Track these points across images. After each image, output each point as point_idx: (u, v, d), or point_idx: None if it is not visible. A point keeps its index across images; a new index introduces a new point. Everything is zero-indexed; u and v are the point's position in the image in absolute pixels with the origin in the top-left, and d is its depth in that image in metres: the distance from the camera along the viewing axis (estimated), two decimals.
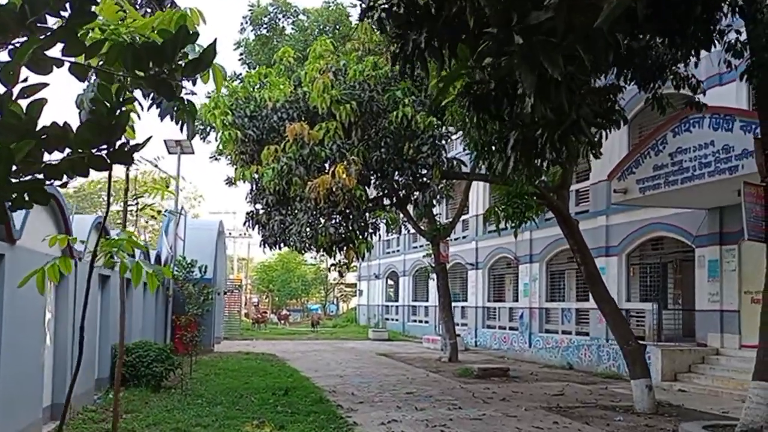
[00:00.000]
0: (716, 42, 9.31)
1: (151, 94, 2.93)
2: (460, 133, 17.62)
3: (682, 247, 17.07)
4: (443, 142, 11.89)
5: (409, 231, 24.31)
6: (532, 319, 22.42)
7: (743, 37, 9.15)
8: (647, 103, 10.50)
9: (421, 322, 32.92)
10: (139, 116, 3.37)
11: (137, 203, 7.34)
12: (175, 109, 3.14)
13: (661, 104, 10.17)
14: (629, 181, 14.53)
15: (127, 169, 8.41)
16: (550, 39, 2.98)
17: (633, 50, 7.06)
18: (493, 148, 9.25)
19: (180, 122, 3.39)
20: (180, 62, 2.41)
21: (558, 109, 4.08)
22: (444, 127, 13.00)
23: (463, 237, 27.86)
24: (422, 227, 21.85)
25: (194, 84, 3.53)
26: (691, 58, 10.16)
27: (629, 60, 8.15)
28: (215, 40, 2.47)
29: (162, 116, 3.30)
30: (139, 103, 3.12)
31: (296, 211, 11.81)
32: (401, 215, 21.42)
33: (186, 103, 3.14)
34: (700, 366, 14.62)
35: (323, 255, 14.62)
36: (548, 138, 4.21)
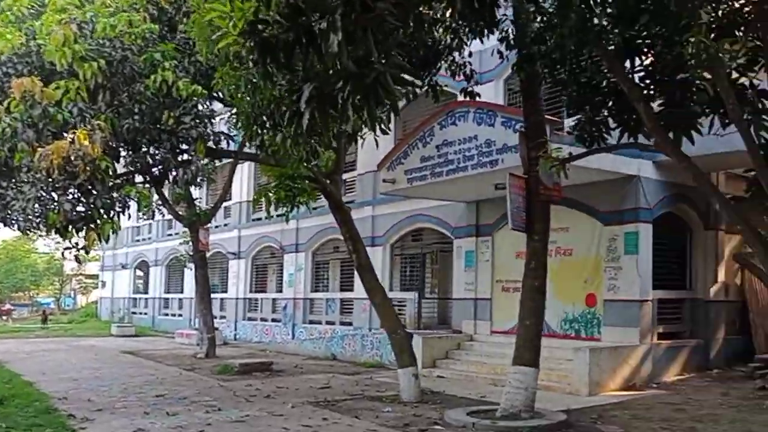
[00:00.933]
0: (493, 31, 9.44)
1: None
2: (228, 115, 16.38)
3: (442, 239, 17.72)
4: (210, 114, 10.64)
5: (163, 216, 22.30)
6: (296, 310, 21.92)
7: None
8: (422, 89, 10.35)
9: (174, 315, 30.73)
10: None
11: None
12: None
13: (436, 92, 10.12)
14: (398, 172, 14.59)
15: None
16: None
17: (422, 20, 6.67)
18: (267, 123, 8.40)
19: None
20: None
21: (362, 61, 3.34)
22: (209, 102, 11.75)
23: (225, 225, 26.48)
24: (180, 213, 20.11)
25: None
26: (465, 46, 10.31)
27: (412, 36, 7.76)
28: None
29: None
30: None
31: (22, 184, 9.73)
32: (155, 197, 19.49)
33: None
34: (456, 352, 15.18)
35: (59, 241, 12.43)
36: (350, 93, 3.44)
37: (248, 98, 6.67)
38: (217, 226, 25.58)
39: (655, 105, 8.04)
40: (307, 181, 10.59)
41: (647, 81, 7.83)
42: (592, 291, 13.54)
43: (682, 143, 7.04)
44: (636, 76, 8.04)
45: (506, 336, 14.93)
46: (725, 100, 5.20)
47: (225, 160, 21.22)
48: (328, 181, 11.41)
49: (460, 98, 11.63)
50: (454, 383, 12.99)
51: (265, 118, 7.39)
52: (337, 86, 3.53)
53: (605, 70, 8.41)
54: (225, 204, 23.34)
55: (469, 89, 9.80)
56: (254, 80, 6.32)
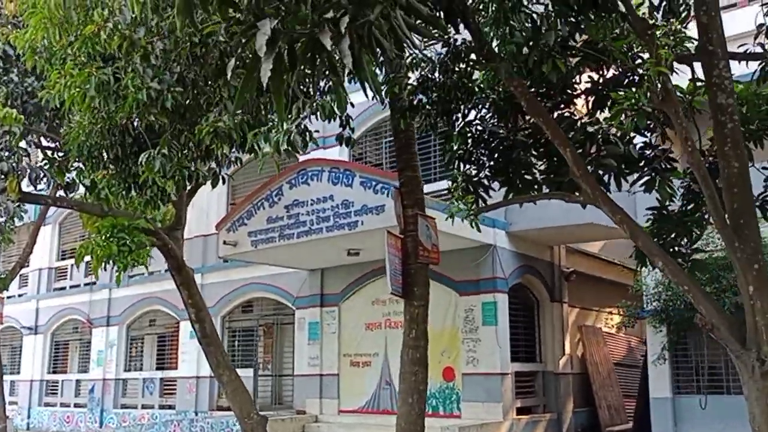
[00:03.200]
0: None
1: None
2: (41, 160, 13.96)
3: (280, 309, 16.37)
4: (27, 144, 8.63)
5: None
6: (106, 393, 18.97)
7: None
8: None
9: None
10: None
11: None
12: None
13: (304, 137, 9.06)
14: (240, 233, 13.19)
15: None
16: None
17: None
18: (101, 154, 6.79)
19: None
20: None
21: None
22: (29, 135, 9.68)
23: (20, 295, 22.77)
24: None
25: None
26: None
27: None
28: None
29: None
30: None
31: None
32: None
33: None
34: None
35: None
36: (345, 33, 2.19)
37: (100, 106, 5.11)
38: (9, 297, 21.93)
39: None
40: (144, 235, 8.88)
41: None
42: (449, 364, 12.87)
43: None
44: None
45: (357, 415, 13.75)
46: (682, 141, 4.74)
47: (27, 218, 18.31)
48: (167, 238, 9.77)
49: (333, 146, 10.72)
50: None
51: (110, 142, 5.82)
52: (311, 26, 2.25)
53: (494, 123, 7.99)
54: (21, 271, 20.05)
55: (347, 135, 8.85)
56: (111, 79, 4.82)
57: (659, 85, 4.58)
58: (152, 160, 4.87)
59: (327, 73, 2.46)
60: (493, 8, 5.18)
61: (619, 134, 6.86)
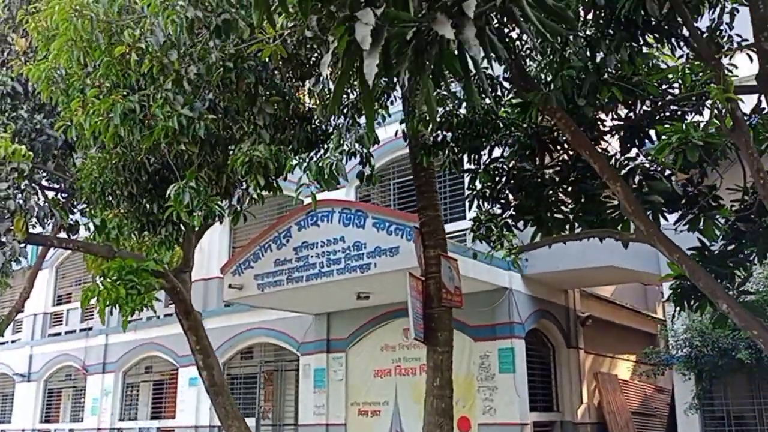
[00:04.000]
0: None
1: None
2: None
3: (284, 355, 15.80)
4: (35, 182, 8.27)
5: None
6: None
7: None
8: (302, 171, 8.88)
9: None
10: None
11: None
12: None
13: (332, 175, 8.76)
14: (246, 277, 12.75)
15: None
16: None
17: None
18: (114, 192, 6.46)
19: None
20: None
21: None
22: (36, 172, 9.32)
23: (13, 341, 22.12)
24: None
25: None
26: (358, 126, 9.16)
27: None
28: None
29: None
30: None
31: None
32: None
33: None
34: None
35: None
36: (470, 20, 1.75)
37: (125, 135, 4.74)
38: (2, 343, 21.33)
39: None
40: (153, 278, 8.44)
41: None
42: (464, 414, 12.29)
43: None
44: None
45: None
46: (753, 172, 4.43)
47: (24, 262, 17.83)
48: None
49: (354, 184, 10.37)
50: None
51: (124, 179, 5.48)
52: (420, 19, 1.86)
53: (519, 160, 7.72)
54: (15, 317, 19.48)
55: (368, 173, 8.51)
56: (137, 107, 4.48)
57: (727, 114, 4.27)
58: (181, 193, 4.52)
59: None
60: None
61: (659, 170, 6.61)
